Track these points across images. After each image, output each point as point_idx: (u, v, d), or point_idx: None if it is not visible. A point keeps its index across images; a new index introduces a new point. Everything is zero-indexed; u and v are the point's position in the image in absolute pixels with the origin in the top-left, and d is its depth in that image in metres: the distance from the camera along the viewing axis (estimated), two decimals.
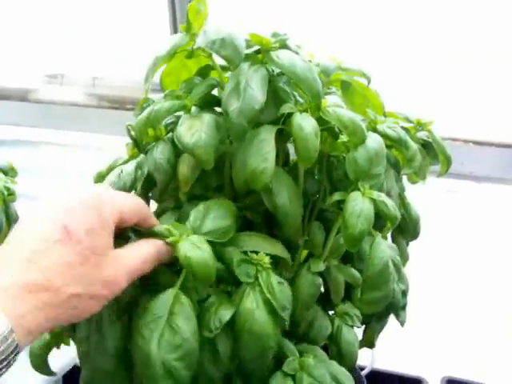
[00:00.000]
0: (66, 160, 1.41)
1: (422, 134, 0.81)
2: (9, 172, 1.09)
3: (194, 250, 0.53)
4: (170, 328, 0.51)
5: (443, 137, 0.84)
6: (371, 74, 0.74)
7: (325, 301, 0.69)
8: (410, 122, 0.80)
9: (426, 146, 0.81)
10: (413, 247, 0.83)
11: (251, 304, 0.55)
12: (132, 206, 0.53)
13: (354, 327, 0.70)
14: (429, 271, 1.11)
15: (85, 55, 1.42)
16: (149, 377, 0.51)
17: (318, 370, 0.59)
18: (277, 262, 0.60)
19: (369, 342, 0.80)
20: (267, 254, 0.58)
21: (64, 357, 1.03)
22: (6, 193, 1.02)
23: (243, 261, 0.57)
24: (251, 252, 0.57)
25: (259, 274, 0.56)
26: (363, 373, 0.99)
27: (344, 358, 0.67)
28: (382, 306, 0.59)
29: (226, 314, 0.55)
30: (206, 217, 0.57)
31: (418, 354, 1.16)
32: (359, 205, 0.56)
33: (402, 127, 0.76)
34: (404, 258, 0.79)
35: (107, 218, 0.50)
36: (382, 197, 0.58)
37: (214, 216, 0.57)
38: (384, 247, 0.58)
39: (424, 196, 1.06)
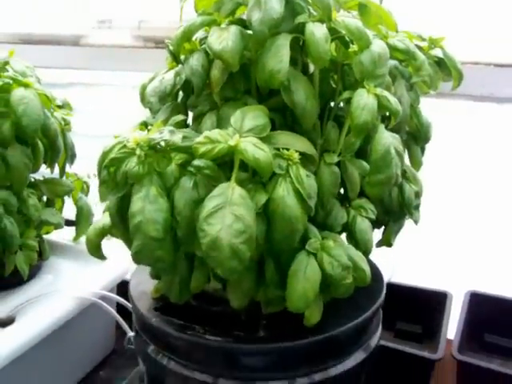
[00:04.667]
0: (117, 99, 1.53)
1: (437, 52, 0.89)
2: (65, 106, 1.21)
3: (259, 151, 0.62)
4: (235, 216, 0.60)
5: (464, 61, 0.91)
6: None
7: (342, 198, 0.79)
8: (423, 39, 0.87)
9: (440, 63, 0.88)
10: (434, 165, 0.91)
11: (283, 192, 0.64)
12: None
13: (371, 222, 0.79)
14: (450, 190, 1.19)
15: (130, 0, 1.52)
16: (215, 257, 0.60)
17: (336, 251, 0.69)
18: (305, 158, 0.69)
19: (387, 241, 0.89)
20: (297, 151, 0.67)
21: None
22: (63, 123, 1.15)
23: (276, 155, 0.66)
24: (283, 148, 0.67)
25: (290, 168, 0.65)
26: None
27: (359, 244, 0.76)
28: (386, 188, 0.69)
29: (261, 198, 0.64)
30: (244, 118, 0.66)
31: (441, 269, 1.25)
32: (364, 99, 0.66)
33: (417, 45, 0.84)
34: (418, 163, 0.87)
35: None
36: (386, 93, 0.67)
37: (251, 116, 0.66)
38: (386, 135, 0.67)
39: (444, 117, 1.14)
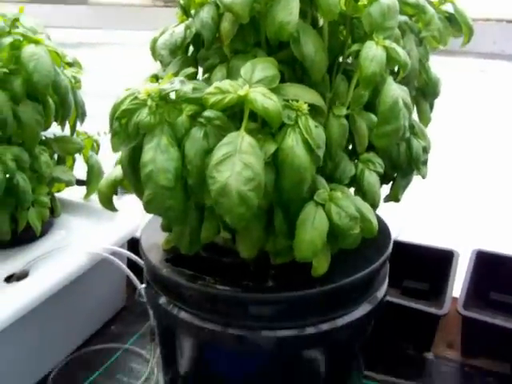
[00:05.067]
0: (125, 58, 1.53)
1: (448, 8, 0.88)
2: (75, 64, 1.22)
3: (268, 100, 0.63)
4: (244, 164, 0.61)
5: (475, 18, 0.91)
6: None
7: (351, 153, 0.80)
8: None
9: (450, 19, 0.88)
10: (443, 123, 0.91)
11: (291, 142, 0.65)
12: None
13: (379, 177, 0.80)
14: (459, 147, 1.19)
15: None
16: (224, 204, 0.61)
17: (344, 202, 0.70)
18: (315, 110, 0.69)
19: (394, 196, 0.90)
20: (305, 103, 0.67)
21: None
22: (73, 81, 1.15)
23: (285, 106, 0.66)
24: (292, 100, 0.67)
25: (298, 118, 0.66)
26: None
27: (366, 196, 0.77)
28: (394, 139, 0.69)
29: (270, 148, 0.65)
30: (254, 69, 0.67)
31: (448, 227, 1.26)
32: (373, 51, 0.66)
33: (427, 0, 0.84)
34: (426, 119, 0.88)
35: None
36: (394, 45, 0.67)
37: (261, 68, 0.67)
38: (395, 87, 0.68)
39: (455, 75, 1.13)
